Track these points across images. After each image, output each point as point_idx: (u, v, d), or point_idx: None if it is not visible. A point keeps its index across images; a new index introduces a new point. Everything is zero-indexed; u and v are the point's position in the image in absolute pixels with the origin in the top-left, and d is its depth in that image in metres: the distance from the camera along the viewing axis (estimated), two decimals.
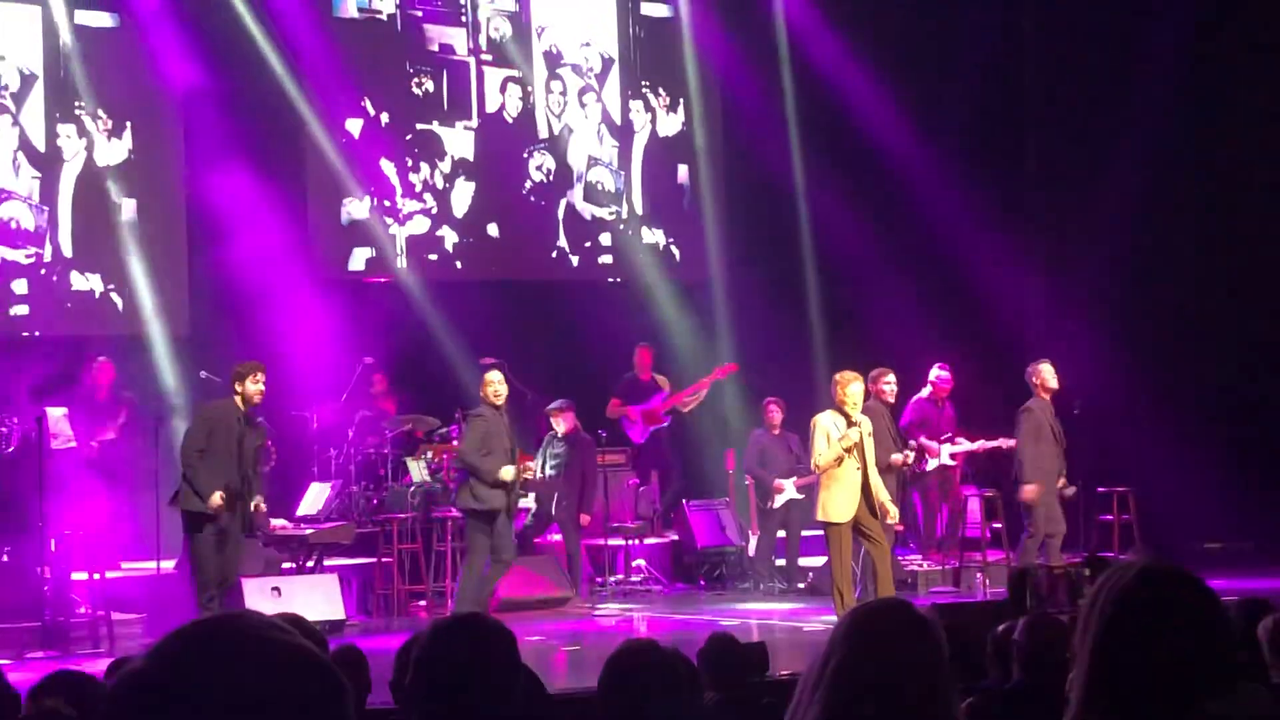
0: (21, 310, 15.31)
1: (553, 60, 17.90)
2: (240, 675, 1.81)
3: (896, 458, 13.59)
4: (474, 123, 17.39)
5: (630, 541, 15.66)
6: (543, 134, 17.75)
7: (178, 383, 15.32)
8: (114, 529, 14.18)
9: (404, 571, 14.37)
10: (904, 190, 17.86)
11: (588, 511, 15.18)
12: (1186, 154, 16.97)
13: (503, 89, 17.56)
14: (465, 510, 13.07)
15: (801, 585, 15.19)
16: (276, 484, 14.69)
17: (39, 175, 15.42)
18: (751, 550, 15.69)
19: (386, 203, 16.92)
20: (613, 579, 15.37)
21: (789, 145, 18.43)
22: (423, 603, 14.31)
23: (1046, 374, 14.03)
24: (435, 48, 17.23)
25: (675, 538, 16.25)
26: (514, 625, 4.09)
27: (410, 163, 17.04)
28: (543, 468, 15.17)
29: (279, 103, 16.17)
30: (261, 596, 12.45)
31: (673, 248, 18.35)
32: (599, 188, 18.04)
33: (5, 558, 12.68)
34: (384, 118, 16.91)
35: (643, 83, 18.35)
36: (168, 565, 13.52)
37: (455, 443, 14.22)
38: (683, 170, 18.53)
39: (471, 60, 17.42)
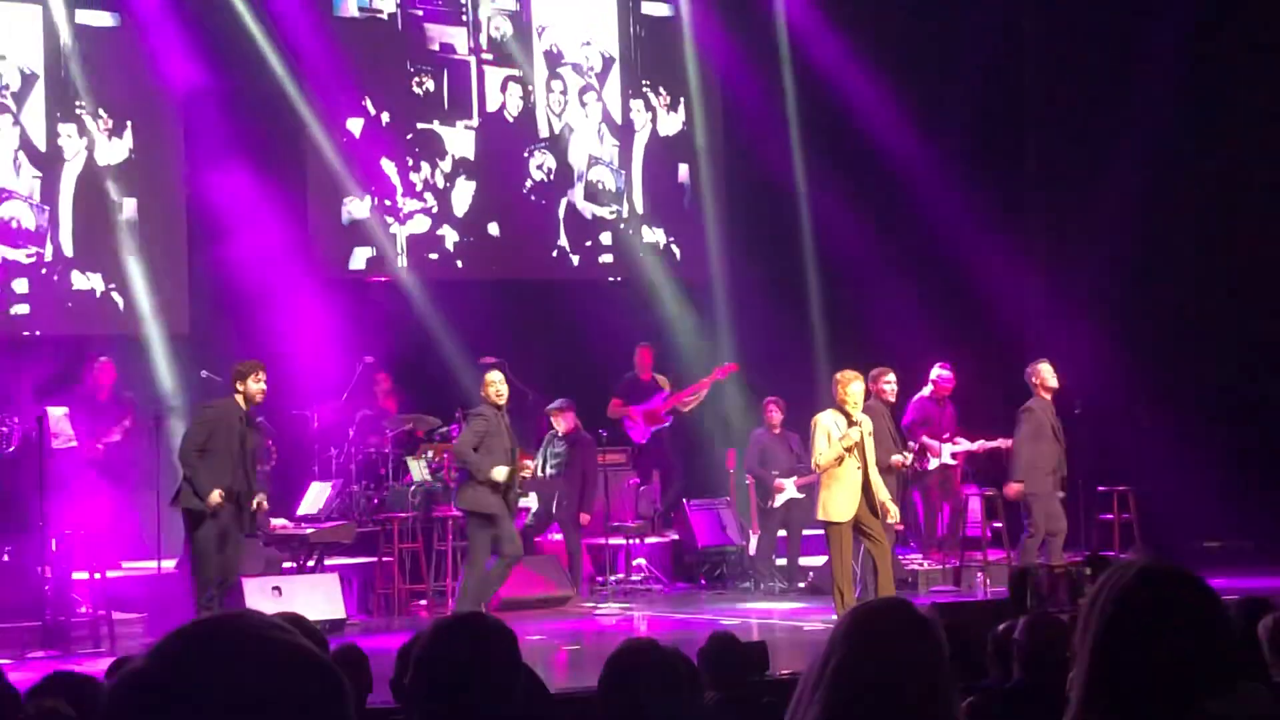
0: (22, 309, 15.31)
1: (553, 59, 17.90)
2: (240, 675, 1.82)
3: (896, 459, 13.59)
4: (475, 122, 17.39)
5: (631, 541, 15.66)
6: (543, 133, 17.75)
7: (178, 382, 15.31)
8: (115, 529, 14.19)
9: (405, 571, 14.37)
10: (904, 190, 17.86)
11: (588, 511, 15.18)
12: (1186, 154, 16.96)
13: (503, 88, 17.56)
14: (465, 510, 13.08)
15: (802, 584, 15.20)
16: (277, 483, 14.70)
17: (40, 175, 15.42)
18: (752, 549, 15.69)
19: (387, 202, 16.92)
20: (613, 578, 15.37)
21: (789, 144, 18.43)
22: (423, 602, 14.31)
23: (1046, 374, 14.06)
24: (436, 47, 17.23)
25: (676, 537, 16.25)
26: (515, 624, 4.10)
27: (411, 162, 17.04)
28: (543, 467, 15.18)
29: (279, 102, 16.16)
30: (262, 596, 12.45)
31: (673, 247, 18.36)
32: (599, 187, 18.04)
33: (6, 557, 12.68)
34: (384, 117, 16.92)
35: (643, 82, 18.35)
36: (168, 565, 13.52)
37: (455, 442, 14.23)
38: (683, 169, 18.53)
39: (472, 59, 17.42)
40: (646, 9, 18.39)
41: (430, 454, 14.92)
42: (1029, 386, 14.14)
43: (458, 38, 17.34)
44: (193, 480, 11.76)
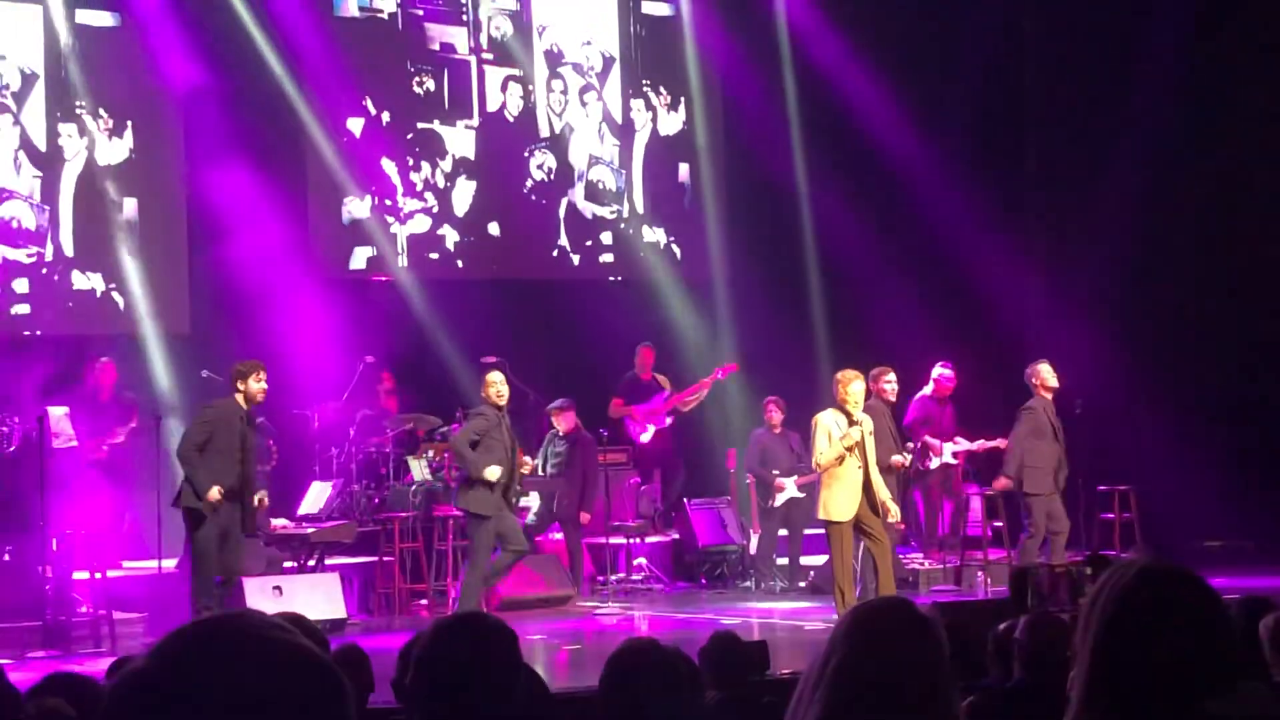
0: (23, 309, 15.31)
1: (554, 59, 17.90)
2: (241, 675, 1.82)
3: (896, 459, 13.60)
4: (475, 121, 17.39)
5: (631, 540, 15.66)
6: (544, 133, 17.76)
7: (178, 382, 15.31)
8: (115, 528, 14.20)
9: (405, 570, 14.37)
10: (904, 189, 17.86)
11: (588, 510, 15.19)
12: (1186, 154, 16.96)
13: (504, 88, 17.56)
14: (466, 510, 13.09)
15: (803, 584, 15.20)
16: (278, 483, 14.70)
17: (40, 174, 15.42)
18: (753, 549, 15.69)
19: (387, 202, 16.92)
20: (614, 578, 15.37)
21: (790, 144, 18.44)
22: (424, 602, 14.31)
23: (1045, 374, 14.10)
24: (436, 47, 17.23)
25: (676, 536, 16.25)
26: (515, 624, 4.10)
27: (411, 161, 17.04)
28: (544, 466, 15.19)
29: (280, 102, 16.17)
30: (263, 595, 12.45)
31: (674, 246, 18.36)
32: (600, 186, 18.04)
33: (7, 557, 12.68)
34: (385, 117, 16.92)
35: (644, 81, 18.35)
36: (169, 564, 13.51)
37: None
38: (684, 169, 18.53)
39: (472, 59, 17.42)
40: (647, 8, 18.39)
41: (431, 453, 14.93)
42: (1029, 387, 14.17)
43: (458, 37, 17.35)
44: (191, 478, 11.76)
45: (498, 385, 13.09)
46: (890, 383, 14.01)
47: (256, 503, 12.13)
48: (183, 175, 15.97)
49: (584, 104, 18.04)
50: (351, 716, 1.87)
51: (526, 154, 17.64)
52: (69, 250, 15.52)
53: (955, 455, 15.31)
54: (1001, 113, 18.38)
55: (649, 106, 18.36)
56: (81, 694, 4.65)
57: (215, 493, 11.62)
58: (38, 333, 15.37)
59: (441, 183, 17.18)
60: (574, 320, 17.19)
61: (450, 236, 17.22)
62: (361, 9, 16.85)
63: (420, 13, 17.13)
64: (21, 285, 15.30)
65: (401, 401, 16.07)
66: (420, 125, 17.11)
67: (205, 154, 15.69)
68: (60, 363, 14.82)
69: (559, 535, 15.30)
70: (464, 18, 17.38)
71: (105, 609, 12.28)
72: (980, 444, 15.15)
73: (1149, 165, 16.92)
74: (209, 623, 1.88)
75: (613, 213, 18.08)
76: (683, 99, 18.47)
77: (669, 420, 16.66)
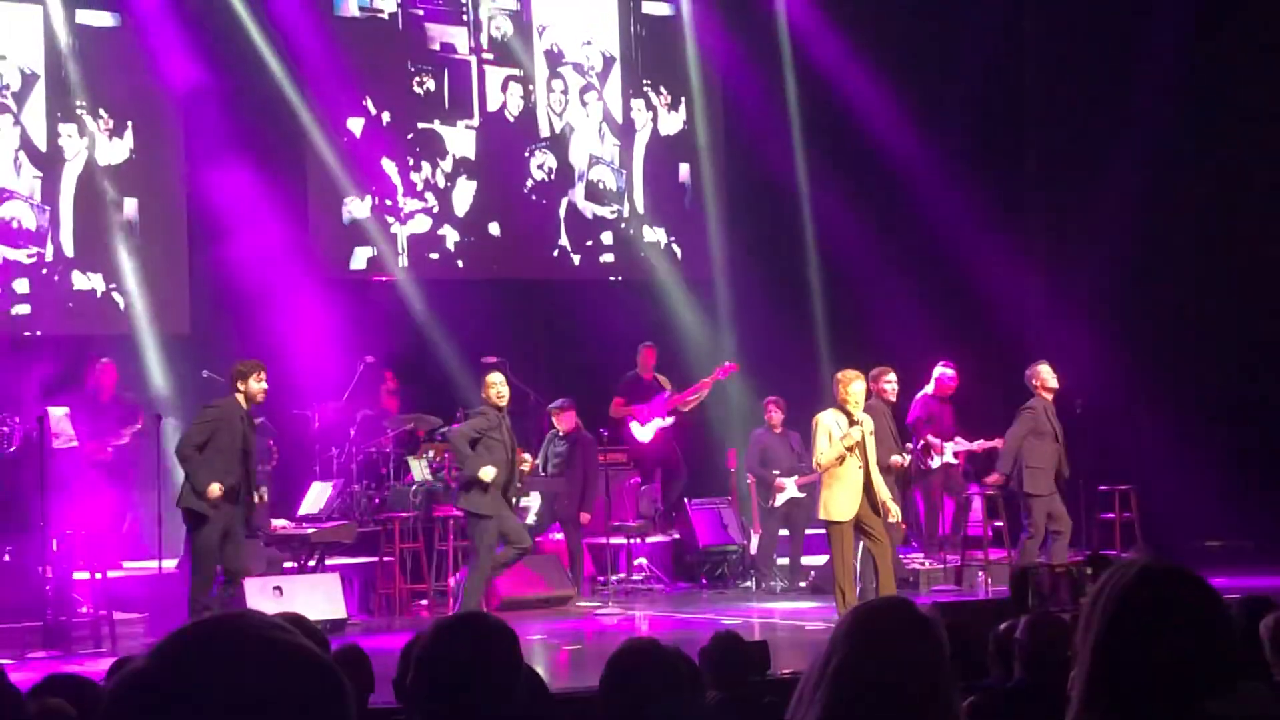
0: (23, 310, 15.31)
1: (554, 59, 17.90)
2: (241, 675, 1.82)
3: (895, 459, 13.61)
4: (475, 121, 17.39)
5: (632, 540, 15.66)
6: (544, 133, 17.76)
7: (179, 382, 15.31)
8: (116, 529, 14.20)
9: (406, 571, 14.36)
10: (905, 189, 17.87)
11: (588, 510, 15.18)
12: (1186, 154, 16.97)
13: (504, 88, 17.56)
14: (467, 510, 13.09)
15: (803, 584, 15.21)
16: (278, 483, 14.70)
17: (40, 175, 15.42)
18: (753, 549, 15.69)
19: (388, 202, 16.92)
20: (614, 578, 15.37)
21: (790, 144, 18.44)
22: (424, 602, 14.31)
23: (1045, 375, 14.13)
24: (436, 46, 17.23)
25: (677, 537, 16.25)
26: (516, 624, 4.09)
27: (411, 162, 17.04)
28: (544, 467, 15.19)
29: (280, 102, 16.17)
30: (263, 596, 12.45)
31: (674, 246, 18.36)
32: (600, 186, 18.04)
33: (7, 557, 12.68)
34: (385, 117, 16.92)
35: (644, 81, 18.36)
36: (169, 565, 13.51)
37: None
38: (684, 169, 18.53)
39: (473, 59, 17.42)
40: (647, 8, 18.39)
41: (431, 454, 14.93)
42: (1029, 388, 14.19)
43: (458, 37, 17.35)
44: (191, 476, 11.74)
45: (498, 386, 13.10)
46: (890, 383, 14.02)
47: (256, 499, 12.11)
48: (183, 175, 15.97)
49: (584, 104, 18.04)
50: (352, 717, 1.87)
51: (527, 154, 17.64)
52: (69, 250, 15.52)
53: (955, 455, 15.32)
54: (1001, 113, 18.38)
55: (649, 106, 18.36)
56: (81, 695, 4.65)
57: (215, 488, 11.61)
58: (38, 333, 15.37)
59: (442, 183, 17.18)
60: (574, 320, 17.20)
61: (451, 236, 17.22)
62: (362, 9, 16.85)
63: (420, 13, 17.13)
64: (22, 285, 15.30)
65: (402, 402, 16.08)
66: (420, 125, 17.11)
67: (205, 154, 15.69)
68: (61, 363, 14.82)
69: (559, 535, 15.30)
70: (464, 18, 17.38)
71: (106, 609, 12.27)
72: (979, 444, 15.16)
73: (1149, 165, 16.92)
74: (209, 623, 1.88)
75: (613, 213, 18.08)
76: (683, 99, 18.47)
77: (670, 420, 16.65)
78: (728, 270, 18.32)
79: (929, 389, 15.48)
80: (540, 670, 5.94)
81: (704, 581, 15.86)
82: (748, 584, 15.61)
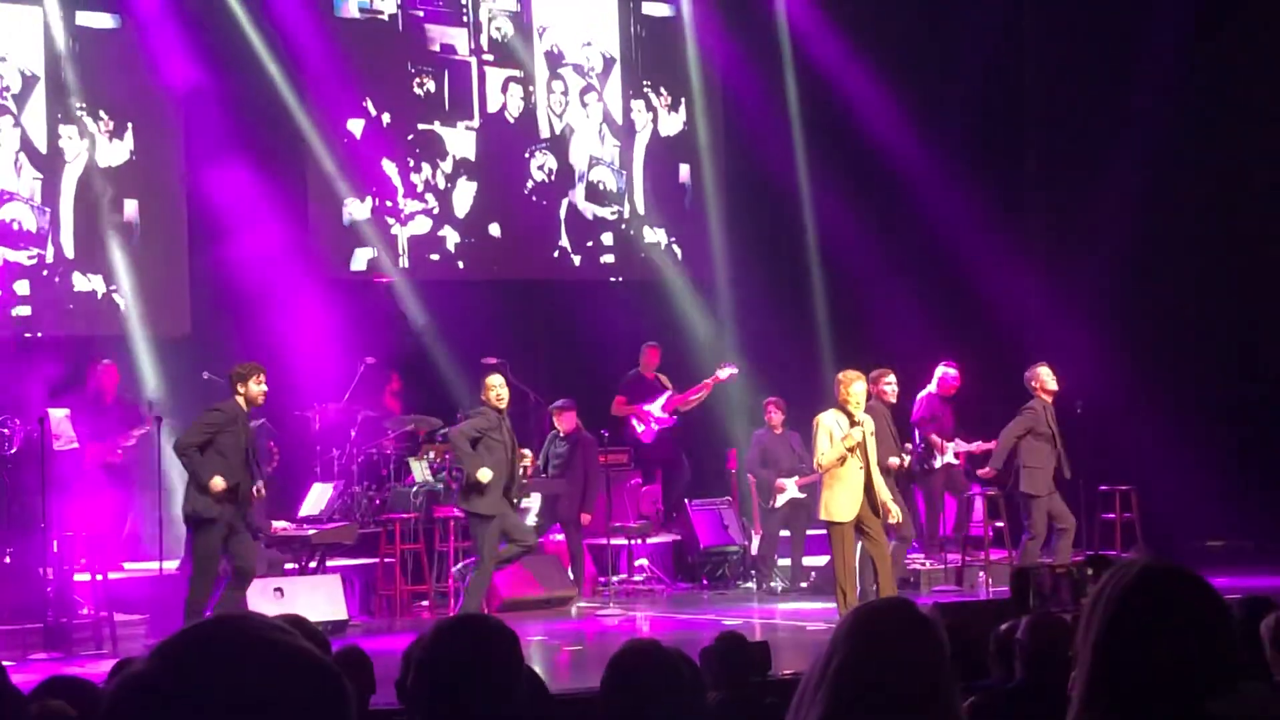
0: (24, 311, 15.31)
1: (554, 60, 17.90)
2: (242, 677, 1.82)
3: (893, 461, 13.62)
4: (475, 123, 17.39)
5: (633, 541, 15.66)
6: (544, 134, 17.75)
7: (179, 384, 15.30)
8: (117, 530, 14.20)
9: (406, 572, 14.36)
10: (905, 189, 17.87)
11: (589, 511, 15.18)
12: (1186, 154, 16.97)
13: (504, 89, 17.56)
14: (468, 511, 13.09)
15: (804, 585, 15.21)
16: (279, 484, 14.70)
17: (40, 176, 15.42)
18: (754, 549, 15.70)
19: (388, 203, 16.92)
20: (615, 579, 15.37)
21: (791, 144, 18.44)
22: (425, 603, 14.31)
23: (1045, 376, 14.17)
24: (436, 48, 17.23)
25: (678, 537, 16.25)
26: (516, 625, 4.10)
27: (412, 163, 17.04)
28: (545, 467, 15.19)
29: (280, 103, 16.16)
30: (264, 597, 12.45)
31: (675, 247, 18.36)
32: (600, 187, 18.04)
33: (8, 559, 12.68)
34: (385, 118, 16.92)
35: (644, 82, 18.36)
36: (170, 566, 13.51)
37: None
38: (684, 170, 18.53)
39: (473, 60, 17.42)
40: (647, 9, 18.39)
41: (432, 455, 14.93)
42: (1028, 389, 14.21)
43: (458, 38, 17.35)
44: (193, 472, 11.72)
45: (497, 388, 13.10)
46: (890, 384, 14.04)
47: (255, 493, 12.11)
48: (183, 177, 15.96)
49: (584, 105, 18.04)
50: (352, 718, 1.88)
51: (527, 155, 17.64)
52: (69, 252, 15.52)
53: (956, 455, 15.32)
54: (1001, 113, 18.38)
55: (649, 107, 18.36)
56: (82, 696, 4.65)
57: (219, 481, 11.59)
58: (39, 334, 15.37)
59: (442, 184, 17.18)
60: (575, 321, 17.20)
61: (451, 237, 17.22)
62: (362, 10, 16.85)
63: (421, 14, 17.13)
64: (22, 287, 15.30)
65: (404, 403, 16.09)
66: (421, 126, 17.11)
67: (206, 155, 15.68)
68: (62, 365, 14.81)
69: (560, 536, 15.29)
70: (464, 19, 17.38)
71: (106, 611, 12.27)
72: (977, 445, 15.17)
73: (1149, 165, 16.93)
74: (210, 625, 1.88)
75: (613, 213, 18.08)
76: (683, 100, 18.47)
77: (673, 420, 16.65)
78: (728, 271, 18.32)
79: (932, 388, 15.49)
80: (541, 671, 5.94)
81: (705, 582, 15.86)
82: (749, 585, 15.62)
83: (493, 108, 17.48)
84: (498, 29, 17.53)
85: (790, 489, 15.40)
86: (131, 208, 15.74)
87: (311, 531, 14.16)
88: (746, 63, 18.31)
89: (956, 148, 17.67)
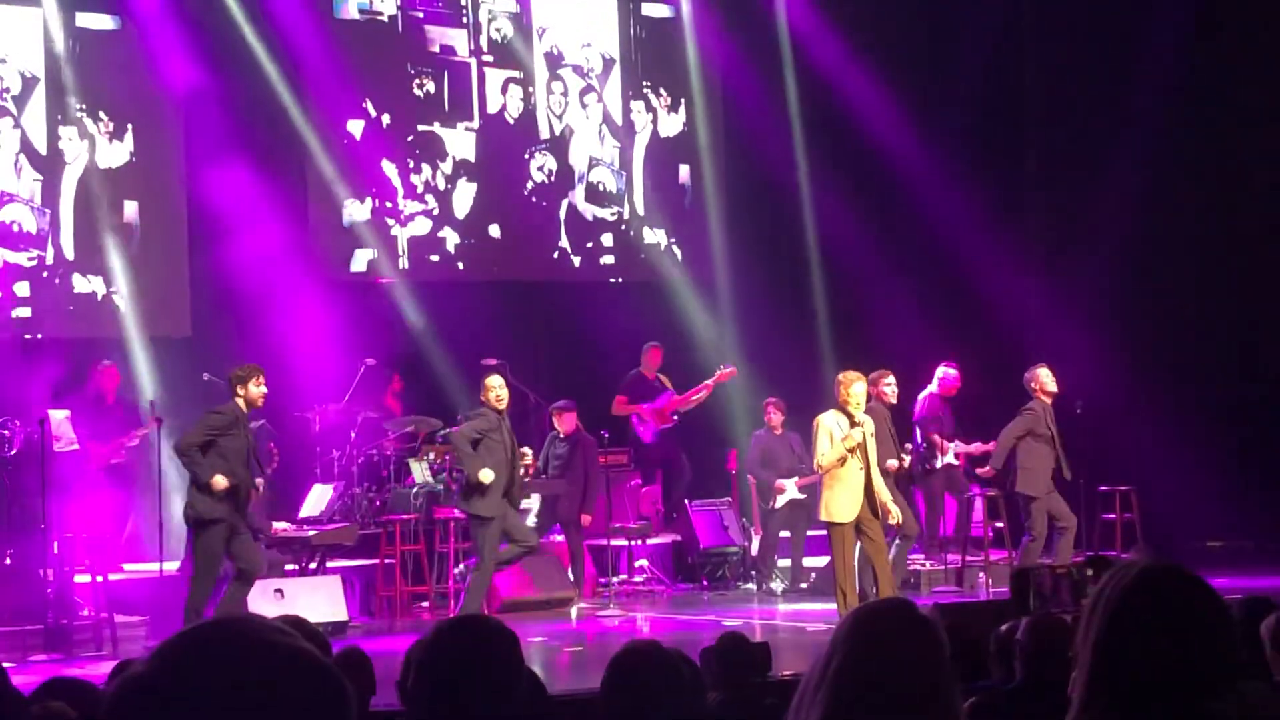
0: (24, 313, 15.31)
1: (554, 61, 17.90)
2: (242, 679, 1.82)
3: (892, 463, 13.62)
4: (475, 124, 17.39)
5: (633, 542, 15.66)
6: (544, 135, 17.75)
7: (179, 385, 15.29)
8: (117, 531, 14.21)
9: (407, 573, 14.36)
10: (905, 189, 17.87)
11: (589, 512, 15.18)
12: (1186, 154, 16.98)
13: (504, 90, 17.56)
14: (469, 512, 13.09)
15: (804, 585, 15.20)
16: (279, 486, 14.70)
17: (40, 178, 15.42)
18: (754, 550, 15.70)
19: (388, 204, 16.92)
20: (615, 579, 15.37)
21: (791, 145, 18.44)
22: (426, 604, 14.31)
23: (1045, 378, 14.17)
24: (436, 49, 17.23)
25: (678, 538, 16.25)
26: (516, 626, 4.10)
27: (412, 164, 17.04)
28: (545, 468, 15.19)
29: (280, 104, 16.17)
30: (264, 598, 12.46)
31: (675, 248, 18.36)
32: (600, 188, 18.04)
33: (9, 561, 12.68)
34: (385, 119, 16.92)
35: (644, 83, 18.36)
36: (171, 568, 13.52)
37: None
38: (684, 170, 18.53)
39: (473, 61, 17.42)
40: (647, 10, 18.39)
41: (432, 455, 14.92)
42: (1028, 391, 14.21)
43: (458, 40, 17.35)
44: (192, 470, 11.71)
45: (497, 389, 13.10)
46: (890, 385, 14.05)
47: (254, 491, 12.10)
48: (183, 178, 15.96)
49: (584, 106, 18.04)
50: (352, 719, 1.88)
51: (527, 156, 17.64)
52: (70, 253, 15.52)
53: (956, 456, 15.32)
54: (1001, 113, 18.37)
55: (649, 108, 18.36)
56: (82, 698, 4.65)
57: (221, 480, 11.59)
58: (39, 336, 15.37)
59: (442, 185, 17.18)
60: (575, 322, 17.19)
61: (451, 239, 17.21)
62: (361, 11, 16.85)
63: (420, 15, 17.13)
64: (23, 289, 15.30)
65: (405, 405, 16.09)
66: (420, 127, 17.11)
67: (206, 157, 15.69)
68: (62, 366, 14.82)
69: (560, 537, 15.29)
70: (464, 20, 17.38)
71: (107, 612, 12.28)
72: (976, 446, 15.17)
73: (1149, 165, 16.93)
74: (210, 626, 1.88)
75: (613, 214, 18.08)
76: (683, 100, 18.47)
77: (675, 421, 16.65)
78: (728, 271, 18.31)
79: (933, 388, 15.48)
80: (541, 672, 5.94)
81: (705, 583, 15.86)
82: (749, 585, 15.62)
83: (492, 109, 17.48)
84: (497, 30, 17.53)
85: (790, 490, 15.41)
86: (131, 209, 15.74)
87: (312, 533, 14.16)
88: (746, 63, 18.31)
89: (956, 148, 17.67)
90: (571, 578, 14.86)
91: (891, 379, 14.08)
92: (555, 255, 17.78)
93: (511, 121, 17.60)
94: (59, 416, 13.46)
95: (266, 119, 16.07)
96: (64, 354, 15.07)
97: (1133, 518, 15.34)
